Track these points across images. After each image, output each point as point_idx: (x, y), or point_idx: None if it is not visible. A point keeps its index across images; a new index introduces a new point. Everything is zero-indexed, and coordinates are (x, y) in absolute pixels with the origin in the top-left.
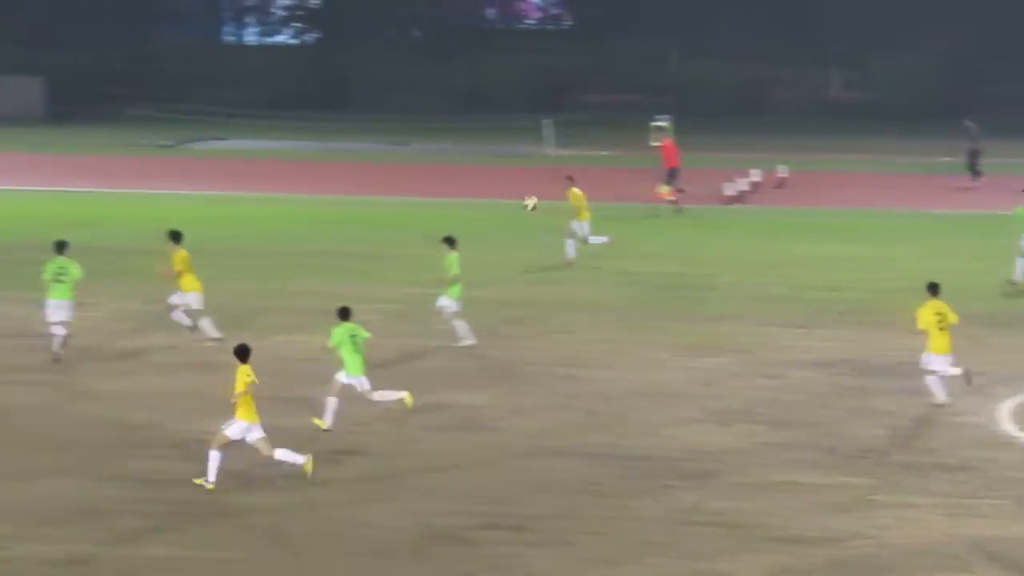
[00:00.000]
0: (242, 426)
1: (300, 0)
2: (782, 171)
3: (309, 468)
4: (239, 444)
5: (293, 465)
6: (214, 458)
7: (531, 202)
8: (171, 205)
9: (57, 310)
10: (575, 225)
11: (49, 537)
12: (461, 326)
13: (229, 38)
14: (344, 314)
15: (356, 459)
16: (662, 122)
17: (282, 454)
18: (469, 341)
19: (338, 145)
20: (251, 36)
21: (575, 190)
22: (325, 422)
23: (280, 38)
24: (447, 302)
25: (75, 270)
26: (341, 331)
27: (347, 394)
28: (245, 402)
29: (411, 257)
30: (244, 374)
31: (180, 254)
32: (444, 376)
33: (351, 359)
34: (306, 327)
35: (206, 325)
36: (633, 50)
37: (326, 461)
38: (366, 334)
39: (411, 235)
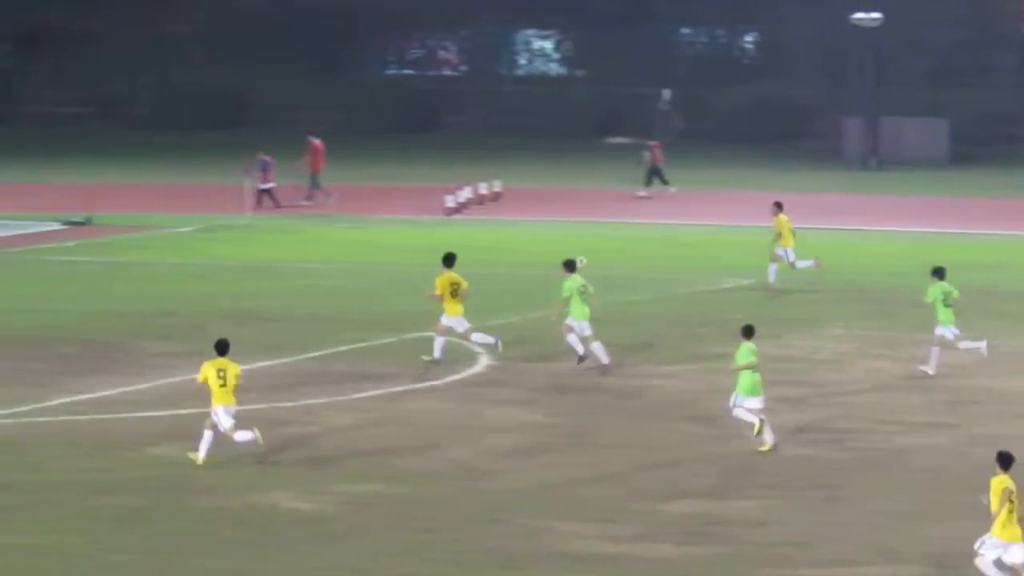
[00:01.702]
0: (220, 409)
1: None
2: None
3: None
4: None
5: (250, 443)
6: (207, 438)
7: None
8: None
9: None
10: (780, 251)
11: None
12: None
13: None
14: (748, 332)
15: None
16: None
17: (241, 436)
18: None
19: None
20: None
21: (782, 216)
22: (768, 443)
23: None
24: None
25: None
26: (748, 350)
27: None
28: (218, 389)
29: None
30: (213, 365)
31: (443, 277)
32: None
33: (751, 381)
34: None
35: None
36: None
37: None
38: (754, 359)
39: None
